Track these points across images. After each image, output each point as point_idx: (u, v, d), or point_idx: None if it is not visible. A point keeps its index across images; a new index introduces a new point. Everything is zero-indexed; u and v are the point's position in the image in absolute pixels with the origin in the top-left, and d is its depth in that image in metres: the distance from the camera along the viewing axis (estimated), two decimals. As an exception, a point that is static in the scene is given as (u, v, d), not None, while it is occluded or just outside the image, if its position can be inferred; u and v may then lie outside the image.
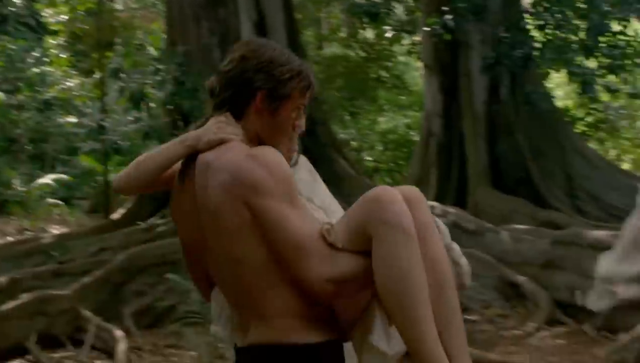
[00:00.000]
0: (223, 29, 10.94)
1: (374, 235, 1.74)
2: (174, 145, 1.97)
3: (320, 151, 10.91)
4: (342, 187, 10.50)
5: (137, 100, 9.75)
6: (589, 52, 11.76)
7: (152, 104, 11.83)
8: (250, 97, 1.95)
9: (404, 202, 1.76)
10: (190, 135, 1.97)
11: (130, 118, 11.12)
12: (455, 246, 2.01)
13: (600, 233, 7.50)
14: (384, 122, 19.02)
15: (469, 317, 6.72)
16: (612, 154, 20.07)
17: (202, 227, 1.89)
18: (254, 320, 1.88)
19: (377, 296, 1.79)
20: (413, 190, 1.85)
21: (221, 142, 1.91)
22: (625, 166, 20.67)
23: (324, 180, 9.03)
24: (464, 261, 1.98)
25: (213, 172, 1.86)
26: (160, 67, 10.37)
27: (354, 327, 1.91)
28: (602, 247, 7.19)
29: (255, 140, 1.99)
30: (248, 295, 1.86)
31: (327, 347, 1.86)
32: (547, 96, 12.14)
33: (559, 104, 16.51)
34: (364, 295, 1.85)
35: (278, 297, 1.83)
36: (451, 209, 9.31)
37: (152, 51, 13.29)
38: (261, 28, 10.52)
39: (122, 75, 10.88)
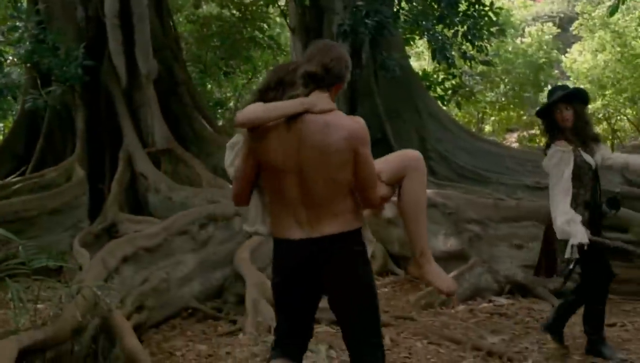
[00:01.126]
0: (85, -13, 10.95)
1: (408, 176, 3.10)
2: (294, 104, 2.92)
3: (182, 110, 11.16)
4: (201, 144, 10.82)
5: (-10, 57, 9.65)
6: (442, 20, 12.45)
7: (15, 60, 11.70)
8: (339, 82, 3.06)
9: None
10: (306, 101, 2.94)
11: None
12: None
13: (427, 192, 8.15)
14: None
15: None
16: (475, 117, 21.26)
17: (301, 157, 2.91)
18: (328, 217, 2.97)
19: None
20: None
21: (329, 111, 2.95)
22: (487, 128, 21.94)
23: (185, 139, 9.54)
24: None
25: (334, 128, 2.90)
26: (19, 24, 10.27)
27: None
28: (428, 204, 7.86)
29: None
30: (330, 201, 2.96)
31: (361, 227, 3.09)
32: (403, 62, 12.70)
33: (426, 69, 17.33)
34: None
35: (346, 202, 2.99)
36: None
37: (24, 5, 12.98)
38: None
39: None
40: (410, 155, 3.19)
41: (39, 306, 6.17)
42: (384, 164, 3.15)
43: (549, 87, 20.66)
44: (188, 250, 6.84)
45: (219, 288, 7.00)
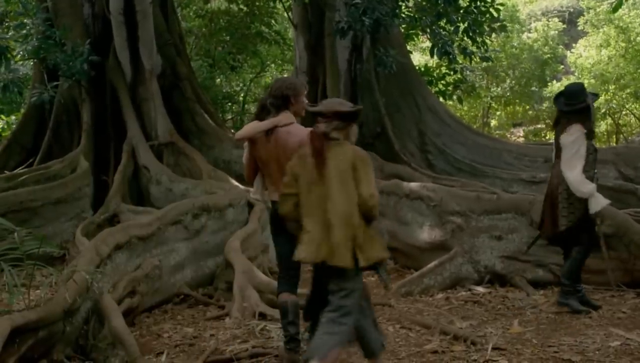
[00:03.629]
0: (92, -16, 11.29)
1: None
2: (267, 123, 4.56)
3: (184, 104, 11.48)
4: (203, 137, 11.15)
5: (-1, 54, 10.00)
6: (440, 17, 12.65)
7: (24, 55, 12.04)
8: (292, 100, 4.60)
9: None
10: (274, 120, 4.56)
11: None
12: None
13: (413, 185, 8.42)
14: (268, 76, 19.74)
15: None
16: (479, 111, 21.42)
17: (276, 154, 4.52)
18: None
19: None
20: None
21: (290, 124, 4.55)
22: (493, 122, 22.10)
23: (188, 132, 9.97)
24: None
25: (291, 135, 4.49)
26: (27, 21, 10.62)
27: None
28: (414, 197, 8.15)
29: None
30: None
31: None
32: (403, 57, 12.87)
33: (431, 64, 17.50)
34: None
35: None
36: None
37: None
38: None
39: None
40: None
41: (37, 291, 6.54)
42: None
43: (555, 82, 20.88)
44: (181, 239, 7.16)
45: (210, 275, 7.34)
